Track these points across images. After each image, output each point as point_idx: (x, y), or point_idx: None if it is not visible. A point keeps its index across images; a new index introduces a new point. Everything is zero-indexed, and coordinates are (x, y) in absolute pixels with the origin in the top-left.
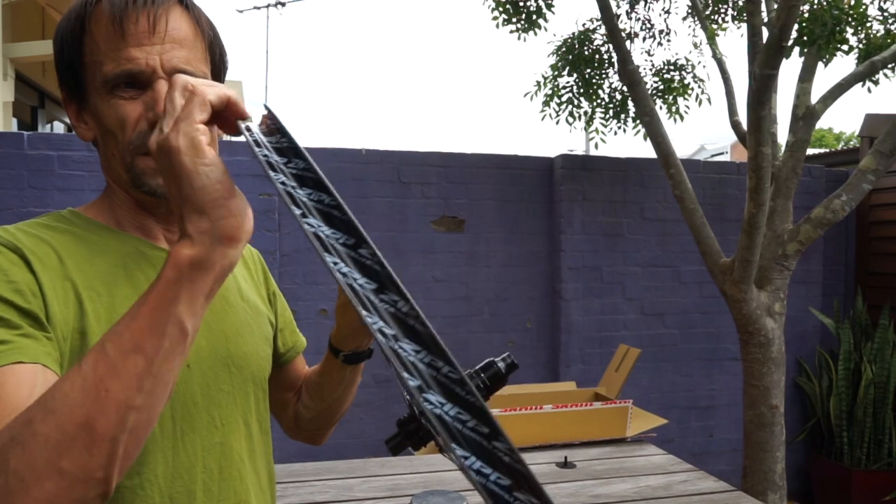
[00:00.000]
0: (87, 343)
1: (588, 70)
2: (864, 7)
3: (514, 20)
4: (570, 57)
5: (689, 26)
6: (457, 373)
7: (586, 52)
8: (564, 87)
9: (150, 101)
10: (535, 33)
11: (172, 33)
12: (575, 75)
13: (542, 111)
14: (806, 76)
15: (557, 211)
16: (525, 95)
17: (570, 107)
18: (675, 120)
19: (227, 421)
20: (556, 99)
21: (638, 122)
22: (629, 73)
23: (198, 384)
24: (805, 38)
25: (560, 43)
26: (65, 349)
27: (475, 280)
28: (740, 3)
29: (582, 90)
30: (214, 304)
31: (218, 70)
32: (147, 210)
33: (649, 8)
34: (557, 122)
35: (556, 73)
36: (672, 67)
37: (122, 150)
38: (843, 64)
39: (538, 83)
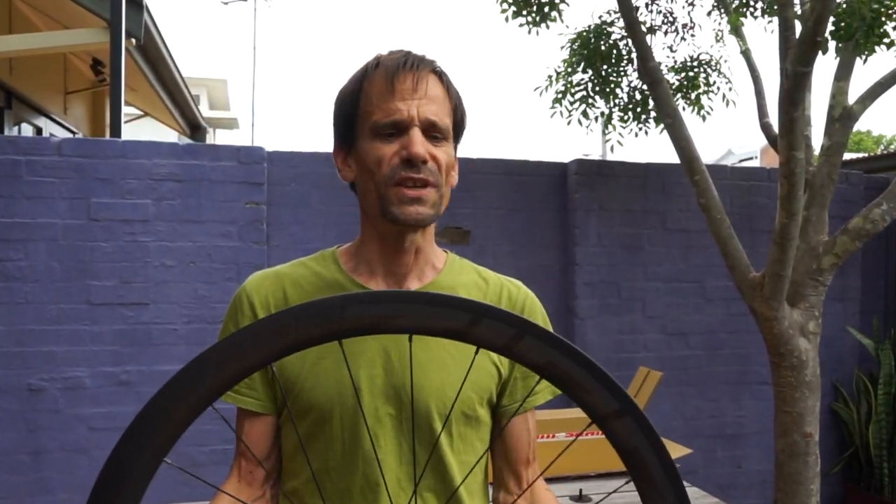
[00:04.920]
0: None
1: (605, 66)
2: None
3: (524, 13)
4: (585, 52)
5: (715, 20)
6: None
7: (603, 47)
8: (578, 84)
9: (405, 142)
10: (548, 27)
11: (429, 92)
12: (590, 72)
13: (553, 108)
14: (842, 74)
15: (572, 221)
16: (535, 90)
17: (583, 105)
18: (702, 117)
19: (390, 443)
20: (568, 96)
21: (660, 122)
22: (650, 70)
23: (367, 407)
24: (841, 32)
25: (574, 36)
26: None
27: None
28: None
29: (598, 88)
30: (403, 340)
31: (458, 128)
32: (383, 244)
33: None
34: (569, 122)
35: (570, 68)
36: (696, 64)
37: (377, 182)
38: (884, 61)
39: (550, 77)
